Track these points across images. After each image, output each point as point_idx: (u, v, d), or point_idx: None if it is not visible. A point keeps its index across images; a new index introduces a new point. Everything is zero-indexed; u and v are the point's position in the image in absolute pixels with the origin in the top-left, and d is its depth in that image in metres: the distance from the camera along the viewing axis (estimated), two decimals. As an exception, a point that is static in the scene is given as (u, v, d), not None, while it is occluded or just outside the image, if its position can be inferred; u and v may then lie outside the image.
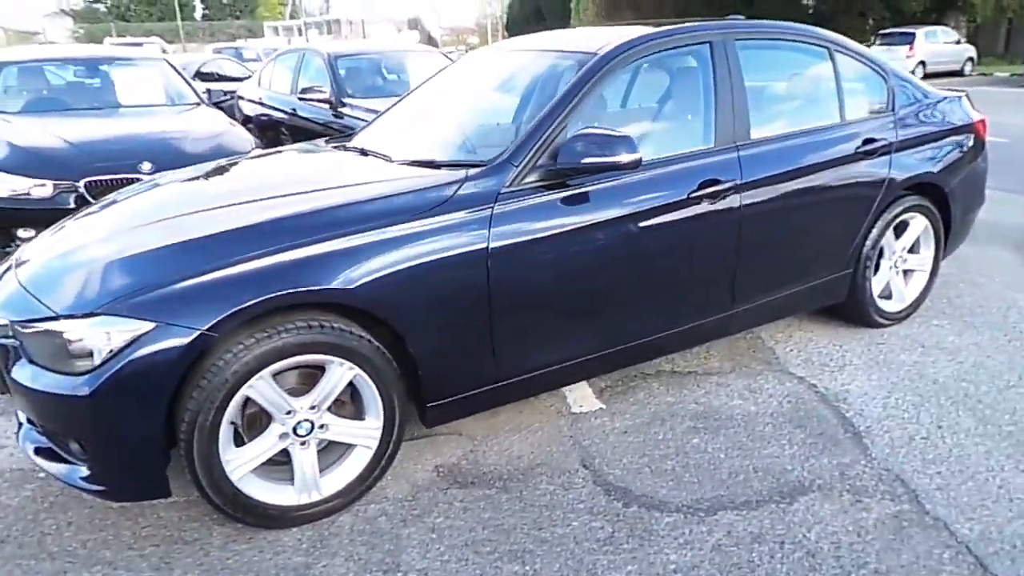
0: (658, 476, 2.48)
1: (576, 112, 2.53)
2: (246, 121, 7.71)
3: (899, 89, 3.44)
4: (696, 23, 2.99)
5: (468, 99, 3.17)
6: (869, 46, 21.30)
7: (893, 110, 3.37)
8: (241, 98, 7.98)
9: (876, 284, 3.46)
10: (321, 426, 2.21)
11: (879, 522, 2.21)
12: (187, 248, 2.05)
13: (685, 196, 2.68)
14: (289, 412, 2.14)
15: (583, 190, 2.49)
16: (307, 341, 2.07)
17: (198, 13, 64.84)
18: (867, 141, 3.20)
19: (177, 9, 47.69)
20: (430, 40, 46.03)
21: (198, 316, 1.92)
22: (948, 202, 3.53)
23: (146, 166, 4.37)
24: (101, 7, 59.31)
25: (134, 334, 1.88)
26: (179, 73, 6.15)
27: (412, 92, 3.47)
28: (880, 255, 3.46)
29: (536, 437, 2.74)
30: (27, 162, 4.35)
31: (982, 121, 3.75)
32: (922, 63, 19.86)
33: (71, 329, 1.91)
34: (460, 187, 2.34)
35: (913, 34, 20.21)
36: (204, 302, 1.94)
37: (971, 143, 3.66)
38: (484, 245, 2.30)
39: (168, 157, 4.43)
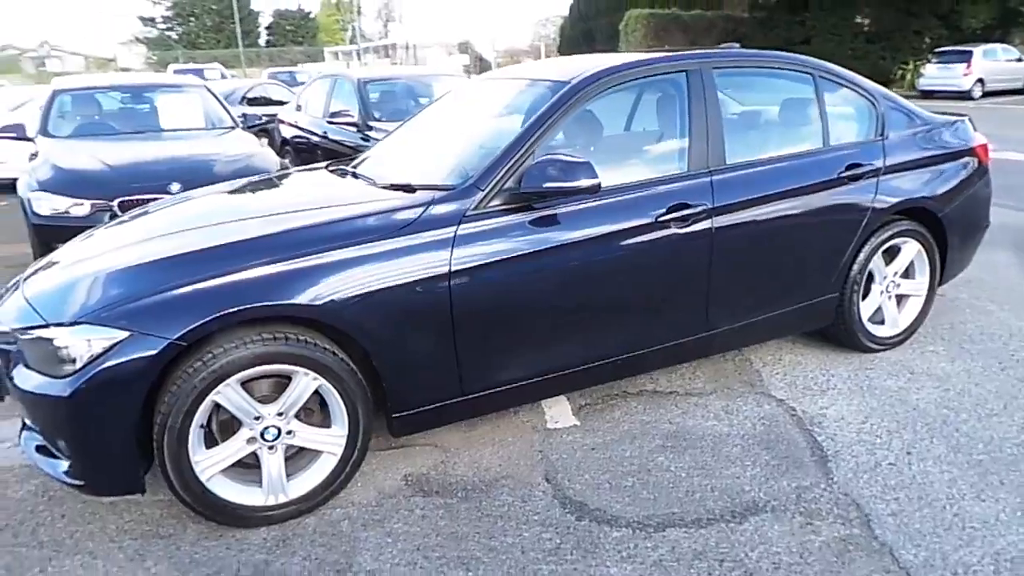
0: (616, 492, 2.54)
1: (544, 139, 2.66)
2: (284, 143, 8.09)
3: (891, 115, 3.44)
4: (675, 53, 3.07)
5: (453, 126, 3.32)
6: (924, 64, 20.84)
7: (883, 135, 3.38)
8: (282, 122, 8.36)
9: (866, 308, 3.45)
10: (288, 432, 2.36)
11: (825, 545, 2.23)
12: (163, 265, 2.25)
13: (653, 219, 2.76)
14: (257, 418, 2.30)
15: (550, 212, 2.60)
16: (272, 352, 2.23)
17: (263, 40, 67.47)
18: (851, 166, 3.22)
19: (239, 37, 49.90)
20: (481, 63, 46.81)
21: (169, 327, 2.10)
22: (943, 227, 3.50)
23: (175, 187, 4.65)
24: (172, 35, 62.30)
25: (111, 341, 2.08)
26: (217, 99, 6.51)
27: (410, 119, 3.65)
28: (870, 279, 3.45)
29: (507, 450, 2.83)
30: (68, 183, 4.69)
31: (983, 146, 3.71)
32: (980, 81, 19.27)
33: (58, 336, 2.11)
34: (426, 209, 2.48)
35: (970, 52, 19.61)
36: (174, 314, 2.12)
37: (970, 168, 3.63)
38: (447, 264, 2.43)
39: (197, 178, 4.70)
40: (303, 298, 2.25)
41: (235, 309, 2.16)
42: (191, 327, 2.11)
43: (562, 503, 2.49)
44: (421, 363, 2.49)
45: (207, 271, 2.20)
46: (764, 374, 3.41)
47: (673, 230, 2.80)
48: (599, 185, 2.52)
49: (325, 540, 2.32)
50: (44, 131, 5.66)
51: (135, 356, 2.08)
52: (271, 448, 2.34)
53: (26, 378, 2.18)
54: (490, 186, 2.54)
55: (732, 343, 3.25)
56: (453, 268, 2.43)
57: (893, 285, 3.51)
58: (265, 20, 69.09)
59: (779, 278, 3.17)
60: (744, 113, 3.27)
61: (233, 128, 6.25)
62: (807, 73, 3.29)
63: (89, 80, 7.10)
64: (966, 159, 3.62)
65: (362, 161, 3.32)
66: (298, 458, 2.45)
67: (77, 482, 2.22)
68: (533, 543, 2.28)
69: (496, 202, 2.55)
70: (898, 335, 3.56)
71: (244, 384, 2.27)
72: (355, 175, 3.08)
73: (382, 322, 2.38)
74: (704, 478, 2.61)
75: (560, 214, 2.62)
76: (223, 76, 18.70)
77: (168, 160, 5.17)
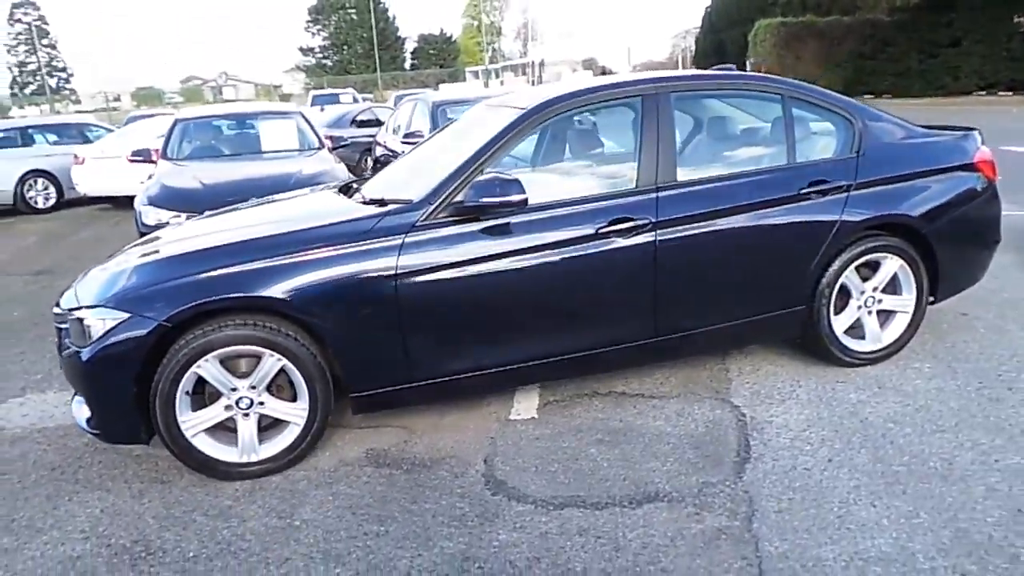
0: (538, 475, 2.83)
1: (492, 160, 3.02)
2: (376, 162, 8.88)
3: (873, 131, 3.47)
4: (635, 79, 3.33)
5: (440, 148, 3.73)
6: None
7: (858, 152, 3.42)
8: (377, 142, 9.17)
9: (840, 322, 3.48)
10: (260, 403, 2.87)
11: (700, 532, 2.41)
12: (163, 263, 2.85)
13: (594, 231, 3.03)
14: (233, 389, 2.82)
15: (500, 223, 2.95)
16: (243, 335, 2.75)
17: (408, 63, 71.49)
18: (816, 183, 3.30)
19: (377, 63, 53.71)
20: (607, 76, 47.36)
21: (159, 311, 2.67)
22: (930, 244, 3.47)
23: (252, 201, 5.41)
24: (328, 62, 67.51)
25: (117, 321, 2.68)
26: (309, 124, 7.35)
27: (422, 142, 4.11)
28: (847, 294, 3.49)
29: (464, 435, 3.19)
30: (169, 199, 5.60)
31: (987, 161, 3.63)
32: None
33: (86, 316, 2.75)
34: (380, 220, 2.92)
35: None
36: (164, 302, 2.69)
37: (967, 183, 3.57)
38: (394, 267, 2.85)
39: (273, 193, 5.45)
40: (270, 292, 2.75)
41: (211, 299, 2.70)
42: (175, 312, 2.66)
43: (487, 481, 2.82)
44: (372, 352, 2.92)
45: (194, 269, 2.77)
46: (734, 382, 3.54)
47: (614, 241, 3.05)
48: (526, 200, 2.85)
49: (281, 494, 2.80)
50: (164, 154, 6.70)
51: (133, 333, 2.66)
52: (245, 415, 2.86)
53: (66, 348, 2.83)
54: (440, 200, 2.94)
55: (685, 350, 3.42)
56: (399, 270, 2.85)
57: (873, 300, 3.52)
58: (411, 45, 73.24)
59: (734, 289, 3.31)
60: (704, 133, 3.44)
61: (320, 149, 7.05)
62: (776, 94, 3.42)
63: (205, 110, 8.23)
64: (962, 174, 3.56)
65: (367, 181, 3.82)
66: (271, 428, 2.95)
67: (95, 431, 2.84)
68: (445, 510, 2.64)
69: (445, 214, 2.94)
70: (879, 350, 3.55)
71: (226, 361, 2.80)
72: (353, 192, 3.57)
73: (337, 314, 2.83)
74: (623, 469, 2.84)
75: (509, 224, 2.96)
76: (355, 100, 20.31)
77: (254, 178, 5.98)
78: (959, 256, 3.61)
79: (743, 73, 3.46)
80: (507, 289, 3.01)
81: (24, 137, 11.45)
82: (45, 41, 69.51)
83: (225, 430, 2.90)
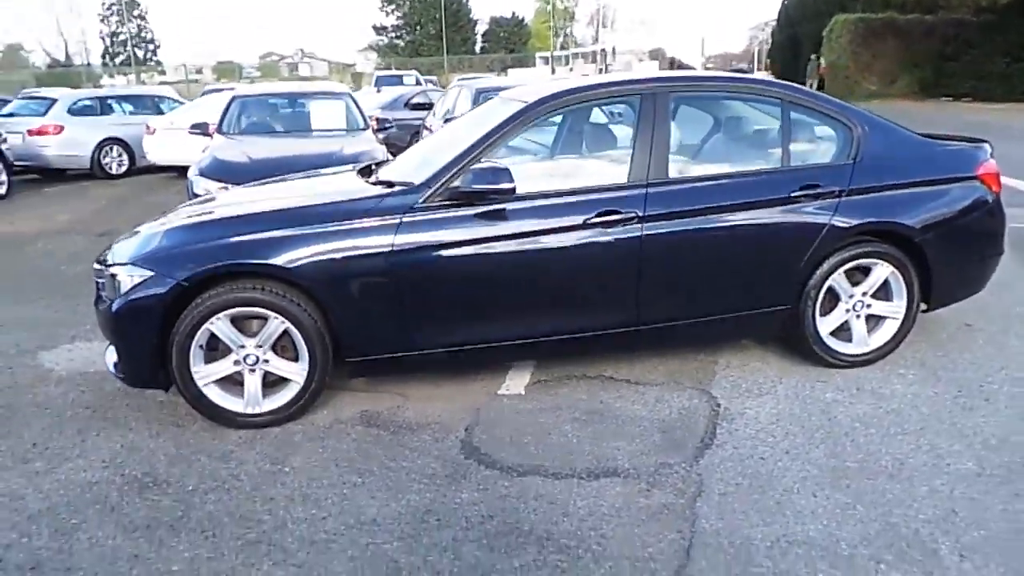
0: (511, 445, 3.05)
1: (491, 150, 3.23)
2: (422, 145, 9.16)
3: (873, 138, 3.52)
4: (636, 77, 3.48)
5: (452, 136, 3.94)
6: None
7: (855, 158, 3.48)
8: (424, 126, 9.47)
9: (826, 324, 3.57)
10: (265, 361, 3.17)
11: (645, 507, 2.59)
12: (188, 228, 3.18)
13: (582, 221, 3.21)
14: (241, 346, 3.13)
15: (494, 208, 3.16)
16: (251, 298, 3.05)
17: (479, 46, 71.79)
18: (807, 186, 3.39)
19: (444, 44, 54.38)
20: (680, 68, 46.47)
21: (178, 271, 2.99)
22: (923, 252, 3.51)
23: (284, 177, 5.76)
24: (400, 42, 68.41)
25: (143, 277, 3.01)
26: (357, 105, 7.68)
27: (440, 130, 4.34)
28: (835, 296, 3.57)
29: (454, 405, 3.43)
30: (218, 170, 6.00)
31: (991, 173, 3.64)
32: None
33: (118, 272, 3.09)
34: (382, 200, 3.17)
35: None
36: (183, 263, 3.01)
37: (967, 194, 3.59)
38: (391, 244, 3.09)
39: (314, 169, 5.79)
40: (277, 260, 3.03)
41: (224, 263, 3.01)
42: (192, 273, 2.98)
43: (463, 447, 3.05)
44: (369, 320, 3.18)
45: (213, 235, 3.09)
46: (719, 374, 3.67)
47: (600, 232, 3.23)
48: (514, 188, 3.05)
49: (277, 444, 3.10)
50: (220, 129, 7.14)
51: (155, 290, 2.99)
52: (251, 370, 3.17)
53: (101, 301, 3.19)
54: (438, 185, 3.17)
55: (667, 340, 3.57)
56: (396, 248, 3.10)
57: (862, 304, 3.58)
58: (482, 28, 73.52)
59: (719, 285, 3.43)
60: (700, 134, 3.55)
61: (364, 130, 7.37)
62: (776, 99, 3.50)
63: (261, 88, 8.67)
64: (963, 185, 3.58)
65: (387, 162, 4.07)
66: (275, 385, 3.25)
67: (121, 375, 3.20)
68: (419, 469, 2.88)
69: (442, 198, 3.16)
70: (866, 354, 3.62)
71: (237, 321, 3.11)
72: (370, 173, 3.83)
73: (337, 284, 3.10)
74: (590, 445, 3.03)
75: (502, 210, 3.17)
76: (417, 82, 20.72)
77: (298, 155, 6.33)
78: (955, 266, 3.64)
79: (744, 76, 3.58)
80: (495, 271, 3.23)
81: (103, 106, 12.22)
82: (136, 12, 72.60)
83: (234, 383, 3.20)
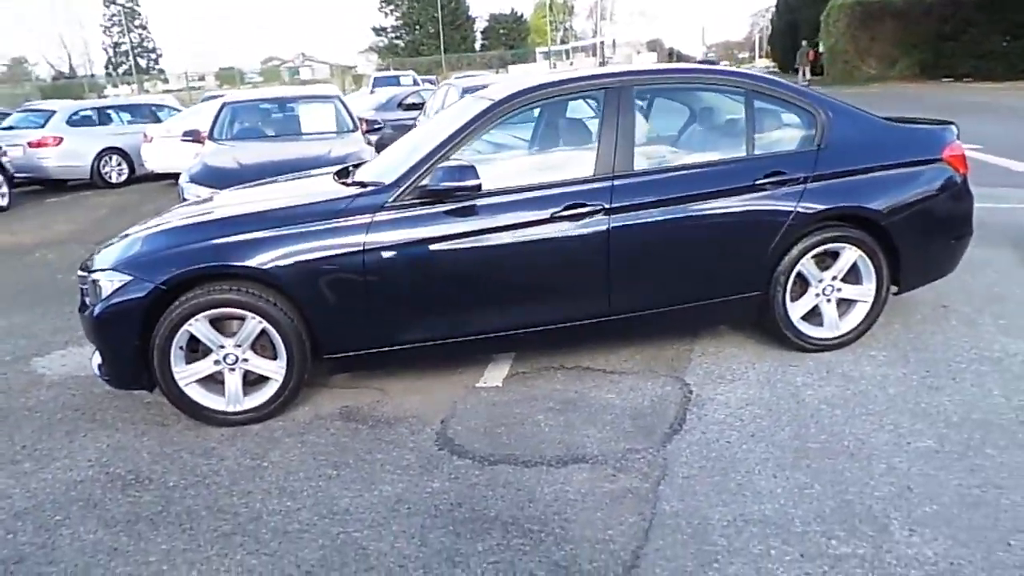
0: (484, 436, 3.13)
1: (458, 148, 3.30)
2: (413, 144, 9.24)
3: (837, 124, 3.57)
4: (600, 72, 3.54)
5: (424, 134, 4.01)
6: None
7: (819, 145, 3.53)
8: (415, 125, 9.54)
9: (796, 309, 3.62)
10: (244, 360, 3.26)
11: (610, 491, 2.66)
12: (165, 233, 3.26)
13: (549, 215, 3.28)
14: (221, 346, 3.22)
15: (464, 205, 3.24)
16: (228, 299, 3.13)
17: (478, 44, 71.80)
18: (772, 173, 3.44)
19: (442, 43, 54.85)
20: (678, 59, 46.47)
21: (156, 275, 3.08)
22: (890, 235, 3.56)
23: (264, 180, 5.84)
24: (400, 43, 68.51)
25: (123, 282, 3.10)
26: (346, 108, 7.76)
27: (412, 129, 4.41)
28: (807, 282, 3.62)
29: (431, 399, 3.51)
30: (208, 176, 6.09)
31: (957, 155, 3.68)
32: None
33: (99, 278, 3.18)
34: (353, 201, 3.25)
35: None
36: (161, 267, 3.09)
37: (933, 176, 3.64)
38: (362, 243, 3.17)
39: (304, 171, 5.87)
40: (251, 262, 3.12)
41: (199, 266, 3.10)
42: (169, 276, 3.07)
43: (437, 438, 3.13)
44: (342, 319, 3.26)
45: (189, 239, 3.18)
46: (694, 362, 3.73)
47: (568, 225, 3.29)
48: (479, 185, 3.13)
49: (258, 439, 3.19)
50: (211, 135, 7.24)
51: (134, 294, 3.08)
52: (231, 370, 3.25)
53: (84, 307, 3.29)
54: (408, 184, 3.24)
55: (639, 328, 3.64)
56: (367, 246, 3.17)
57: (832, 289, 3.64)
58: (481, 25, 73.53)
59: (688, 273, 3.50)
60: (665, 126, 3.61)
61: (353, 131, 7.45)
62: (739, 88, 3.56)
63: (250, 94, 8.77)
64: (928, 168, 3.63)
65: (363, 164, 4.15)
66: (257, 383, 3.34)
67: (106, 378, 3.29)
68: (393, 460, 2.97)
69: (411, 197, 3.24)
70: (838, 337, 3.67)
71: (216, 322, 3.20)
72: (346, 175, 3.90)
73: (310, 284, 3.18)
74: (561, 434, 3.10)
75: (471, 206, 3.25)
76: (415, 82, 20.79)
77: (287, 159, 6.41)
78: (923, 248, 3.68)
79: (708, 67, 3.63)
80: (466, 266, 3.30)
81: (102, 116, 12.37)
82: (137, 22, 73.00)
83: (215, 382, 3.30)
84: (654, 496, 2.61)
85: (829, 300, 3.66)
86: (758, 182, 3.43)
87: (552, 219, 3.29)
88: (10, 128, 12.06)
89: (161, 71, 71.97)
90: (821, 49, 30.08)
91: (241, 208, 3.42)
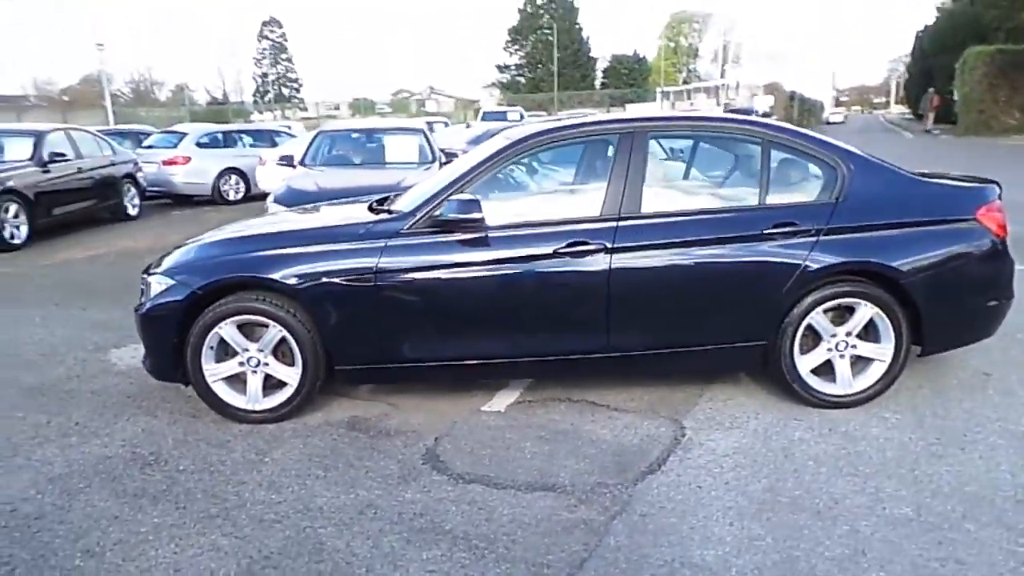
0: (470, 456, 3.28)
1: (473, 183, 3.53)
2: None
3: (860, 178, 3.51)
4: (617, 118, 3.67)
5: (451, 169, 4.24)
6: None
7: (837, 198, 3.48)
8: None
9: (805, 362, 3.55)
10: (265, 364, 3.58)
11: (565, 520, 2.74)
12: (207, 245, 3.66)
13: (551, 251, 3.43)
14: (245, 350, 3.56)
15: (466, 236, 3.45)
16: (253, 307, 3.48)
17: (599, 82, 72.75)
18: (783, 224, 3.43)
19: (555, 81, 56.21)
20: (800, 103, 45.18)
21: (195, 281, 3.47)
22: (909, 294, 3.44)
23: (315, 205, 6.28)
24: (521, 79, 70.55)
25: (167, 285, 3.52)
26: (428, 141, 8.21)
27: (451, 163, 4.68)
28: (819, 336, 3.55)
29: (435, 417, 3.70)
30: (289, 198, 6.63)
31: (991, 215, 3.51)
32: None
33: (151, 280, 3.62)
34: (372, 226, 3.54)
35: None
36: (199, 274, 3.49)
37: (966, 236, 3.49)
38: (375, 265, 3.44)
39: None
40: (276, 275, 3.45)
41: (231, 276, 3.47)
42: (205, 283, 3.45)
43: (425, 453, 3.31)
44: (353, 334, 3.53)
45: (227, 251, 3.57)
46: (699, 406, 3.72)
47: (569, 261, 3.42)
48: (482, 218, 3.33)
49: (268, 437, 3.48)
50: (302, 161, 7.87)
51: (175, 296, 3.49)
52: (254, 372, 3.59)
53: (139, 305, 3.73)
54: (422, 214, 3.49)
55: (639, 367, 3.68)
56: (379, 268, 3.44)
57: (845, 344, 3.54)
58: (603, 64, 74.51)
59: (690, 317, 3.52)
60: (678, 172, 3.66)
61: (433, 162, 7.86)
62: (756, 138, 3.58)
63: (343, 124, 9.42)
64: (958, 227, 3.49)
65: (399, 195, 4.45)
66: (277, 387, 3.65)
67: (150, 369, 3.71)
68: (378, 469, 3.17)
69: (425, 226, 3.49)
70: (850, 395, 3.56)
71: (243, 327, 3.55)
72: (381, 203, 4.19)
73: (327, 298, 3.47)
74: (542, 462, 3.20)
75: (479, 238, 3.45)
76: (521, 117, 21.42)
77: (361, 185, 6.86)
78: (949, 310, 3.52)
79: (726, 116, 3.67)
80: (471, 294, 3.49)
81: (226, 140, 13.63)
82: (283, 56, 79.26)
83: (239, 382, 3.64)
84: (605, 530, 2.67)
85: (843, 356, 3.56)
86: (767, 231, 3.43)
87: (555, 255, 3.42)
88: (149, 147, 13.51)
89: (300, 100, 77.56)
90: (955, 96, 28.41)
91: (278, 227, 3.79)
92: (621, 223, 3.45)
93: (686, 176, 3.79)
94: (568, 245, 3.42)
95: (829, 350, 3.56)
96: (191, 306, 3.49)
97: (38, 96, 61.58)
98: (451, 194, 3.49)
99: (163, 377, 3.74)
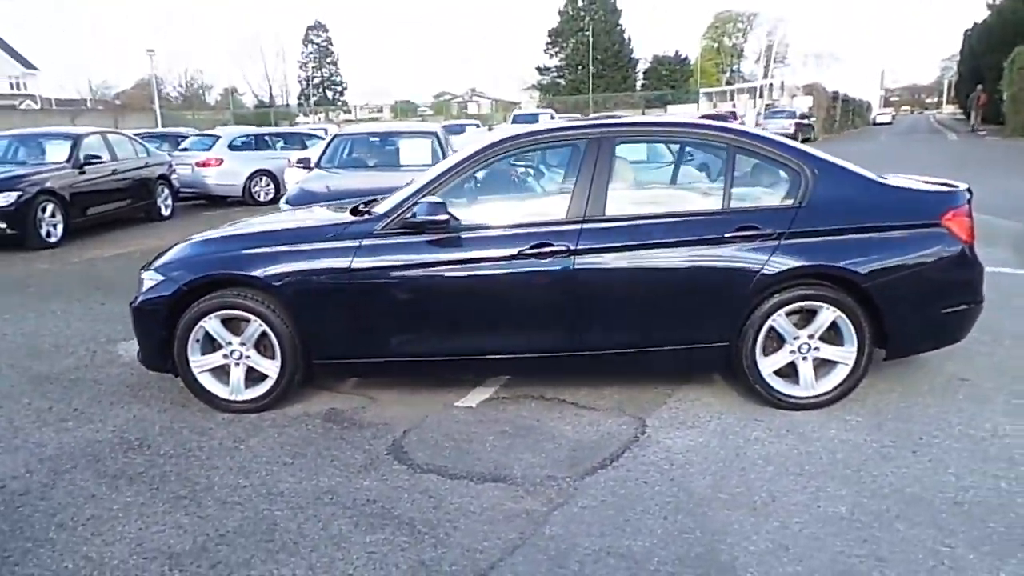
0: (432, 448, 3.41)
1: (443, 187, 3.67)
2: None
3: (824, 182, 3.55)
4: (583, 123, 3.77)
5: (431, 172, 4.37)
6: None
7: (801, 202, 3.52)
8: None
9: (767, 364, 3.59)
10: (247, 356, 3.78)
11: (508, 510, 2.85)
12: (195, 244, 3.88)
13: (516, 252, 3.55)
14: (228, 343, 3.76)
15: (435, 237, 3.59)
16: (234, 303, 3.68)
17: (639, 83, 72.30)
18: (744, 227, 3.49)
19: (590, 83, 56.01)
20: (843, 103, 44.31)
21: (181, 278, 3.69)
22: (872, 298, 3.46)
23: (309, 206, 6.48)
24: (562, 82, 70.53)
25: (157, 281, 3.74)
26: (440, 143, 8.38)
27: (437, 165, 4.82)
28: (782, 339, 3.59)
29: (409, 411, 3.84)
30: (300, 199, 6.87)
31: (959, 220, 3.51)
32: None
33: (144, 276, 3.86)
34: (347, 227, 3.71)
35: None
36: (186, 271, 3.71)
37: (931, 241, 3.50)
38: (348, 264, 3.61)
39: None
40: (256, 272, 3.65)
41: (214, 273, 3.67)
42: (190, 279, 3.67)
43: (390, 445, 3.45)
44: (328, 329, 3.70)
45: (213, 249, 3.78)
46: (666, 405, 3.78)
47: (533, 262, 3.53)
48: (448, 220, 3.47)
49: (248, 426, 3.68)
50: (318, 163, 8.12)
51: (164, 292, 3.71)
52: (236, 364, 3.79)
53: (133, 299, 3.97)
54: (395, 215, 3.65)
55: (603, 367, 3.77)
56: (352, 267, 3.60)
57: (808, 347, 3.57)
58: (644, 66, 74.01)
59: (651, 318, 3.60)
60: (643, 176, 3.74)
61: (443, 166, 8.02)
62: (721, 143, 3.64)
63: (358, 127, 9.66)
64: (923, 231, 3.50)
65: (384, 198, 4.60)
66: (259, 379, 3.85)
67: (141, 360, 3.94)
68: (344, 458, 3.33)
69: (396, 227, 3.64)
70: (813, 397, 3.59)
71: (228, 321, 3.75)
72: (368, 206, 4.36)
73: (304, 295, 3.65)
74: (499, 455, 3.32)
75: (447, 239, 3.59)
76: (552, 118, 21.54)
77: (370, 187, 7.05)
78: (914, 315, 3.53)
79: (692, 122, 3.72)
80: (440, 293, 3.64)
81: (258, 142, 14.06)
82: (328, 59, 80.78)
83: (225, 373, 3.84)
84: (544, 520, 2.77)
85: (805, 358, 3.60)
86: (728, 235, 3.49)
87: (519, 256, 3.54)
88: (185, 150, 14.02)
89: (344, 103, 78.93)
90: (1005, 96, 27.52)
91: (264, 226, 3.99)
92: (585, 226, 3.55)
93: (653, 180, 3.87)
94: (533, 247, 3.54)
95: (792, 352, 3.60)
96: (178, 301, 3.71)
97: (94, 100, 64.09)
98: (422, 197, 3.64)
99: (154, 368, 3.96)
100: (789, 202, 3.55)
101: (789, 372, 3.64)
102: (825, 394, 3.60)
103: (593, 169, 3.60)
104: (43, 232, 8.92)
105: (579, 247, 3.52)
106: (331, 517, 2.84)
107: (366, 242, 3.63)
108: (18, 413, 3.92)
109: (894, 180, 3.78)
